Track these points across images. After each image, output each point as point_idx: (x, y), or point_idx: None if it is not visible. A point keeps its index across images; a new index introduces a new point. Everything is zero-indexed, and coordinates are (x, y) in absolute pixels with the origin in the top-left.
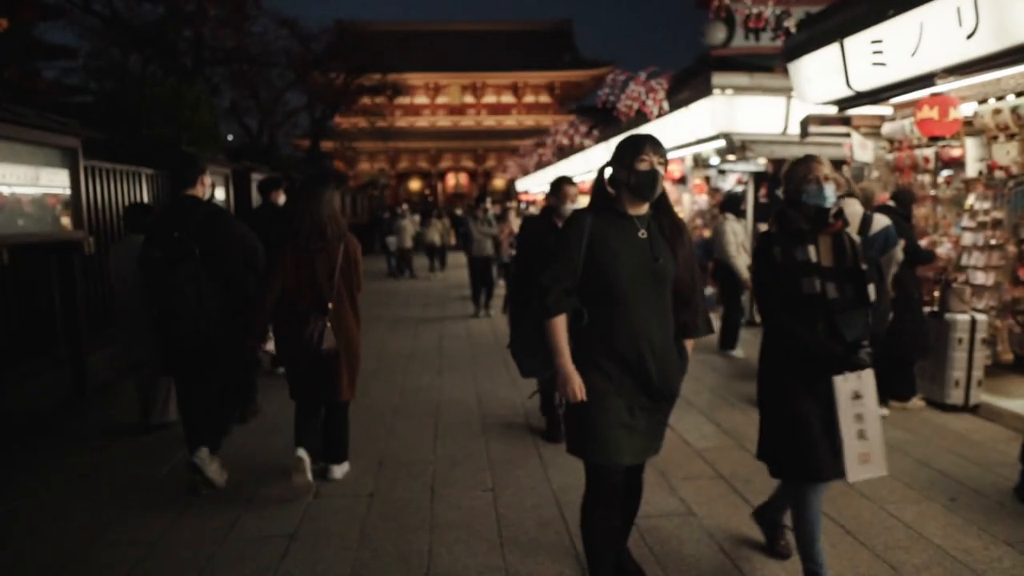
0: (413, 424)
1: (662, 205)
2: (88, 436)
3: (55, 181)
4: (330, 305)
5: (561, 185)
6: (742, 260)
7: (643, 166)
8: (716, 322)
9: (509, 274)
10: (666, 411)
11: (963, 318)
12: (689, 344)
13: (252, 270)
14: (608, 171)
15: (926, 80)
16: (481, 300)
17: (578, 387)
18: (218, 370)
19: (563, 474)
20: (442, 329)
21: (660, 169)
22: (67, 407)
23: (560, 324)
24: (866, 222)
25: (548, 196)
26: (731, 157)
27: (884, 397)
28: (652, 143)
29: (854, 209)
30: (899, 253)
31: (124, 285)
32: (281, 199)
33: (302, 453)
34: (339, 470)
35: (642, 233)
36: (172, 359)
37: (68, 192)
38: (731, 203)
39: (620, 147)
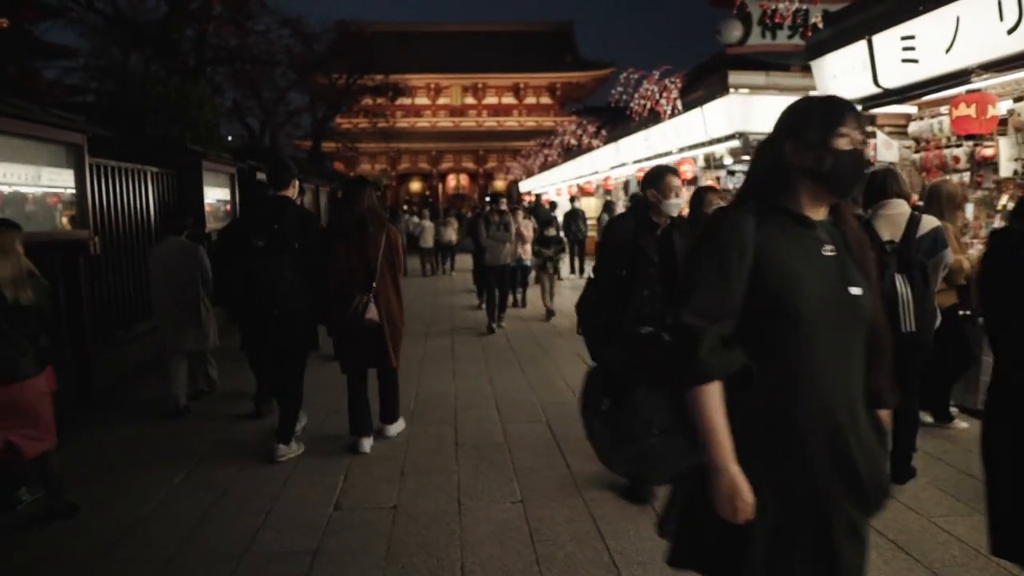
0: (431, 431)
1: (839, 207)
2: (95, 441)
3: (58, 180)
4: (374, 284)
5: (664, 175)
6: None
7: (843, 143)
8: None
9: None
10: (864, 538)
11: None
12: (885, 418)
13: None
14: (775, 150)
15: (960, 77)
16: (495, 314)
17: (748, 502)
18: (303, 343)
19: (592, 486)
20: (453, 321)
21: (864, 150)
22: (72, 410)
23: (715, 394)
24: (912, 223)
25: (644, 188)
26: (745, 157)
27: (924, 406)
28: (853, 112)
29: (901, 210)
30: (948, 256)
31: (164, 279)
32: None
33: (366, 446)
34: (394, 428)
35: (828, 249)
36: (258, 335)
37: (71, 191)
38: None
39: (800, 115)
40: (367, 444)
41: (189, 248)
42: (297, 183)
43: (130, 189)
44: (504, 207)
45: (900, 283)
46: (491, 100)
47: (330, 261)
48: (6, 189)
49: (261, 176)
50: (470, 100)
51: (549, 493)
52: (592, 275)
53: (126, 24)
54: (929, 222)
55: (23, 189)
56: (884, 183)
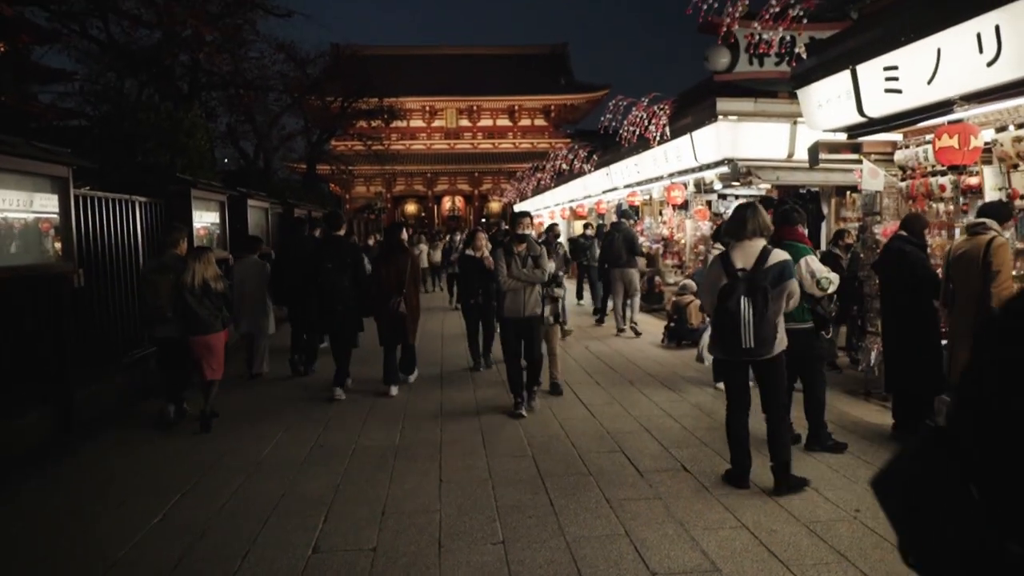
0: (416, 467)
1: None
2: (69, 476)
3: (49, 206)
4: (404, 290)
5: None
6: None
7: None
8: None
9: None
10: None
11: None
12: None
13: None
14: None
15: (943, 107)
16: (527, 392)
17: None
18: (353, 329)
19: (576, 525)
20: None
21: None
22: (49, 445)
23: None
24: (763, 255)
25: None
26: (735, 183)
27: (903, 431)
28: None
29: (756, 246)
30: (795, 287)
31: (244, 286)
32: (317, 232)
33: (394, 391)
34: (411, 376)
35: None
36: (328, 323)
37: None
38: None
39: None
40: (394, 390)
41: (259, 264)
42: (345, 226)
43: (118, 218)
44: (529, 228)
45: (744, 304)
46: (486, 122)
47: (377, 275)
48: (2, 214)
49: (300, 214)
50: (465, 122)
51: (531, 533)
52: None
53: (120, 51)
54: (778, 255)
55: (14, 215)
56: (745, 217)
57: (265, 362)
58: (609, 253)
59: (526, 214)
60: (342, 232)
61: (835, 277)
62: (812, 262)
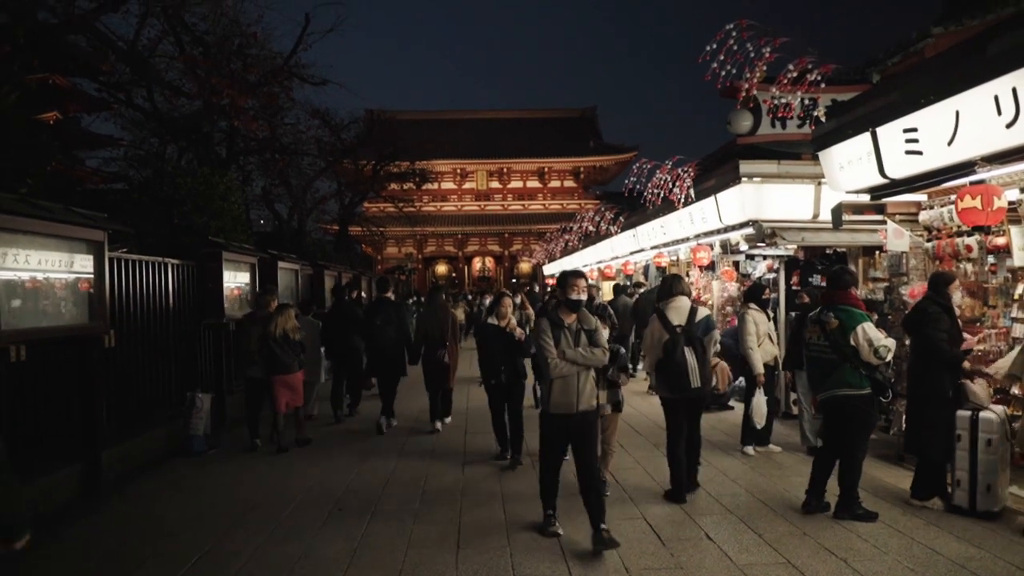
0: (433, 531)
1: None
2: (93, 537)
3: (89, 267)
4: (447, 342)
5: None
6: (759, 353)
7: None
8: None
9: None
10: None
11: (963, 414)
12: None
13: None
14: None
15: (965, 168)
16: (599, 522)
17: None
18: (398, 372)
19: None
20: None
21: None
22: (78, 507)
23: None
24: (692, 312)
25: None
26: (761, 244)
27: (917, 496)
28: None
29: (683, 303)
30: (717, 335)
31: (309, 341)
32: (355, 295)
33: (439, 425)
34: (448, 419)
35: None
36: (378, 367)
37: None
38: (753, 293)
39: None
40: (439, 424)
41: (314, 323)
42: (392, 289)
43: (151, 280)
44: (584, 294)
45: (688, 354)
46: (516, 184)
47: (424, 330)
48: (40, 276)
49: (346, 280)
50: (495, 184)
51: None
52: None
53: (162, 119)
54: (702, 312)
55: (55, 275)
56: (672, 285)
57: (316, 405)
58: (642, 316)
59: (580, 274)
60: (389, 294)
61: (892, 343)
62: (869, 329)
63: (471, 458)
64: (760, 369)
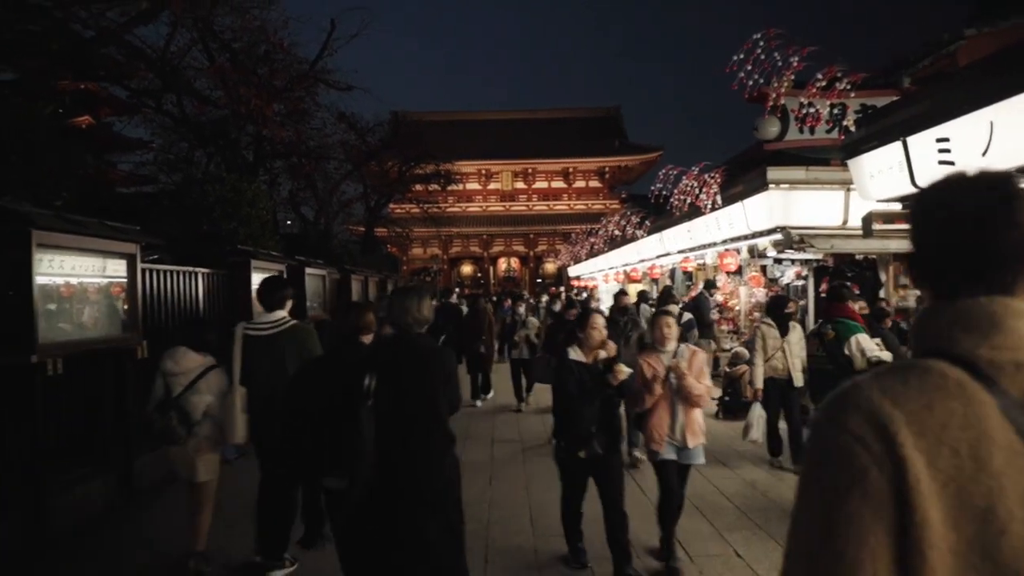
0: None
1: None
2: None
3: (121, 271)
4: (484, 337)
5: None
6: (760, 368)
7: None
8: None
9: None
10: None
11: None
12: None
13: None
14: None
15: None
16: None
17: None
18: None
19: None
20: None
21: None
22: (112, 512)
23: None
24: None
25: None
26: (788, 251)
27: None
28: None
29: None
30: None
31: None
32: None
33: (479, 404)
34: (488, 395)
35: None
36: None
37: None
38: (772, 306)
39: None
40: (479, 403)
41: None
42: (433, 304)
43: (181, 289)
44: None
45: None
46: (541, 184)
47: (466, 327)
48: (75, 280)
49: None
50: (520, 185)
51: None
52: None
53: (191, 124)
54: (684, 316)
55: (88, 280)
56: (669, 294)
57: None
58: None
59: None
60: (452, 299)
61: (887, 356)
62: (863, 340)
63: None
64: (758, 384)
